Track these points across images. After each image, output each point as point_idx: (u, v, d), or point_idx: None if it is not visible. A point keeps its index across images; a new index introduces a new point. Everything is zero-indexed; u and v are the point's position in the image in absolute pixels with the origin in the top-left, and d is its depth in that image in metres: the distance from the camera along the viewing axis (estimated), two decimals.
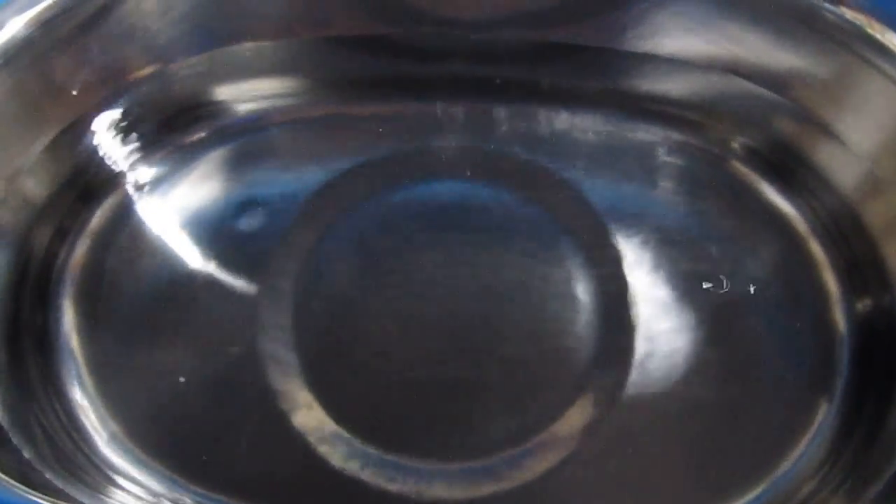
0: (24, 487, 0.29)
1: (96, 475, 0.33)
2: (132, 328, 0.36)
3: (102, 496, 0.33)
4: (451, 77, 0.39)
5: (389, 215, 0.38)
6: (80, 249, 0.37)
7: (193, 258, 0.37)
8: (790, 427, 0.34)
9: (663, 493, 0.34)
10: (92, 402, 0.35)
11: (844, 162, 0.36)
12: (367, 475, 0.34)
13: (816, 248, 0.37)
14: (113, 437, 0.34)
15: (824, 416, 0.34)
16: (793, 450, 0.34)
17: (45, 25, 0.34)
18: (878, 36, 0.34)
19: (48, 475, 0.32)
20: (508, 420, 0.34)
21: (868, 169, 0.36)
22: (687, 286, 0.36)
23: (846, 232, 0.37)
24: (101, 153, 0.37)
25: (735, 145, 0.38)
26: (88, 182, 0.37)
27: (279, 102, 0.39)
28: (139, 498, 0.33)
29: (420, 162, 0.38)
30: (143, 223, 0.37)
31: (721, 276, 0.37)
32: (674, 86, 0.38)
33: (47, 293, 0.36)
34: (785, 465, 0.34)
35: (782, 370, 0.35)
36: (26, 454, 0.32)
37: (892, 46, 0.34)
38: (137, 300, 0.36)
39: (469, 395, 0.35)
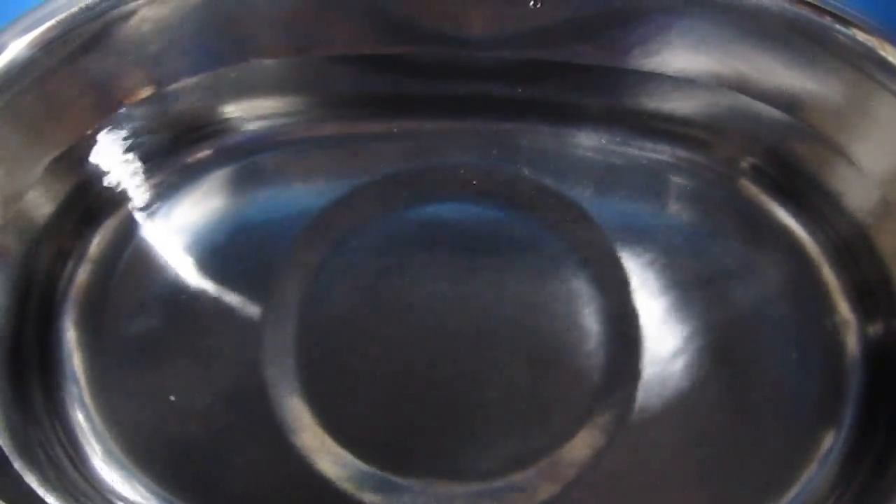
0: None
1: (100, 500, 0.33)
2: (135, 350, 0.35)
3: None
4: (456, 96, 0.38)
5: (394, 235, 0.37)
6: (83, 271, 0.36)
7: (196, 279, 0.37)
8: (798, 454, 0.34)
9: None
10: (94, 426, 0.34)
11: (855, 184, 0.36)
12: (370, 497, 0.34)
13: (827, 271, 0.36)
14: (116, 461, 0.34)
15: (833, 442, 0.34)
16: (800, 477, 0.34)
17: (47, 47, 0.33)
18: (891, 58, 0.33)
19: (50, 501, 0.31)
20: (515, 443, 0.34)
21: (880, 191, 0.35)
22: (694, 308, 0.36)
23: (857, 255, 0.36)
24: (103, 174, 0.37)
25: (744, 165, 0.38)
26: (91, 203, 0.37)
27: (283, 121, 0.38)
28: None
29: (425, 181, 0.38)
30: (147, 244, 0.37)
31: (728, 297, 0.36)
32: (681, 104, 0.38)
33: (49, 315, 0.36)
34: (792, 493, 0.33)
35: (791, 395, 0.35)
36: (28, 480, 0.32)
37: None
38: (141, 322, 0.36)
39: (474, 417, 0.35)
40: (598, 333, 0.36)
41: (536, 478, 0.34)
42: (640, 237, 0.37)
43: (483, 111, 0.39)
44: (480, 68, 0.38)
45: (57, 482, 0.33)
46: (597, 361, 0.35)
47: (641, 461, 0.34)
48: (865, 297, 0.36)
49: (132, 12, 0.35)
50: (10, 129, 0.34)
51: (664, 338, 0.36)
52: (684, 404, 0.35)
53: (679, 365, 0.35)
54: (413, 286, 0.37)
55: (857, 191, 0.36)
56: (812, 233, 0.37)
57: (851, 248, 0.36)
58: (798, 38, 0.35)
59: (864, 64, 0.34)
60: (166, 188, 0.38)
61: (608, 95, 0.38)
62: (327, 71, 0.38)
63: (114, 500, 0.33)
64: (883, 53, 0.33)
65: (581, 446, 0.34)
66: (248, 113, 0.38)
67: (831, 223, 0.37)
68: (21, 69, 0.33)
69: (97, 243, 0.37)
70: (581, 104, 0.38)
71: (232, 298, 0.36)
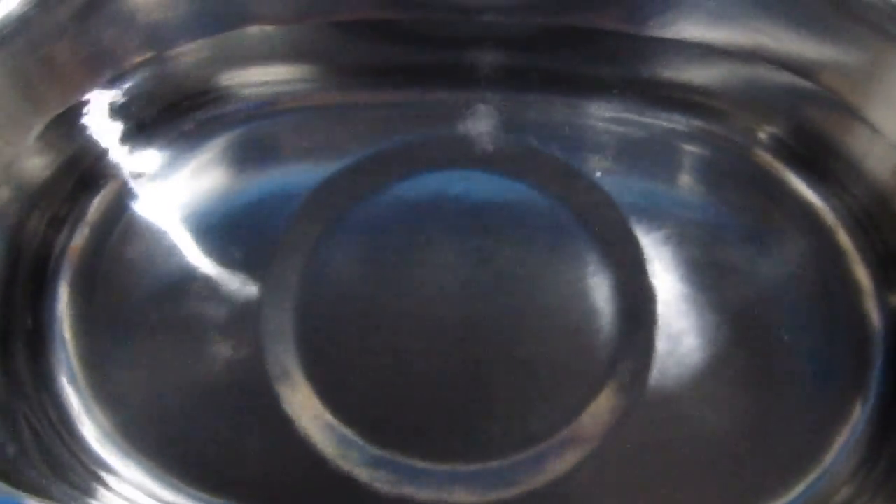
0: (4, 485, 0.28)
1: (85, 475, 0.32)
2: (128, 322, 0.34)
3: (90, 498, 0.31)
4: (465, 64, 0.38)
5: (399, 208, 0.36)
6: (76, 239, 0.35)
7: (193, 250, 0.35)
8: (823, 427, 0.32)
9: (687, 496, 0.32)
10: (83, 399, 0.33)
11: (876, 150, 0.35)
12: (378, 479, 0.32)
13: (846, 240, 0.35)
14: (104, 435, 0.33)
15: (859, 414, 0.33)
16: (826, 451, 0.32)
17: (42, 5, 0.33)
18: None
19: (32, 473, 0.30)
20: (527, 420, 0.33)
21: None
22: (710, 281, 0.35)
23: (878, 222, 0.35)
24: (99, 140, 0.36)
25: (761, 135, 0.37)
26: (86, 169, 0.36)
27: (285, 89, 0.38)
28: (129, 500, 0.32)
29: (432, 153, 0.37)
30: (142, 213, 0.36)
31: (746, 271, 0.35)
32: (697, 73, 0.37)
33: (41, 284, 0.34)
34: (819, 468, 0.32)
35: (812, 368, 0.33)
36: (10, 450, 0.30)
37: None
38: (134, 293, 0.35)
39: (485, 395, 0.33)
40: (611, 309, 0.34)
41: (551, 454, 0.32)
42: (655, 211, 0.36)
43: (491, 81, 0.38)
44: (489, 36, 0.37)
45: (39, 455, 0.31)
46: (610, 337, 0.34)
47: (657, 437, 0.33)
48: (887, 264, 0.35)
49: None
50: (4, 92, 0.33)
51: (679, 312, 0.34)
52: (700, 379, 0.33)
53: (695, 340, 0.34)
54: (418, 261, 0.35)
55: (877, 155, 0.35)
56: (831, 202, 0.36)
57: (872, 215, 0.35)
58: (816, 1, 0.34)
59: (885, 23, 0.33)
60: (164, 156, 0.37)
61: (624, 65, 0.37)
62: (328, 38, 0.37)
63: (102, 474, 0.32)
64: None
65: (595, 422, 0.33)
66: (246, 81, 0.37)
67: (850, 191, 0.36)
68: (15, 29, 0.33)
69: (92, 211, 0.36)
70: (594, 74, 0.38)
71: (229, 270, 0.35)
